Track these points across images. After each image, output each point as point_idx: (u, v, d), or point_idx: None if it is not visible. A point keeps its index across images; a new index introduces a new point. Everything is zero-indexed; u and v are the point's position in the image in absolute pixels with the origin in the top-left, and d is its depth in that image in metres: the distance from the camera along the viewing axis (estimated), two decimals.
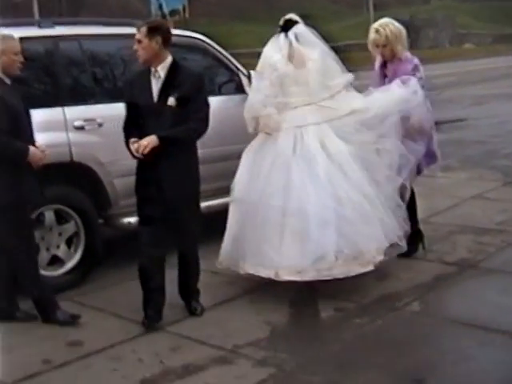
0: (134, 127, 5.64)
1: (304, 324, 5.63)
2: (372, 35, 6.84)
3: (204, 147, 6.48)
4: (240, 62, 8.31)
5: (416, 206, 7.13)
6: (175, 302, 5.88)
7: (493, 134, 14.33)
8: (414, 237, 6.98)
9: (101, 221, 7.12)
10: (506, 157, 11.85)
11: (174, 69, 5.65)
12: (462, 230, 7.85)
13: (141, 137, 5.50)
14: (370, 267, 5.96)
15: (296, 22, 6.72)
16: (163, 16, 62.43)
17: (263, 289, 6.25)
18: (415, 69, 6.80)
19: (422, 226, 7.32)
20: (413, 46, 70.39)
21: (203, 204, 6.51)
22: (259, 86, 6.56)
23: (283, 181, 6.11)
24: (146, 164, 5.54)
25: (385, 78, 6.98)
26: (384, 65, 7.02)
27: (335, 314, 5.70)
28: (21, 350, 5.24)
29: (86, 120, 6.77)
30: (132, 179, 5.80)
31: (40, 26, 7.10)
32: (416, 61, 6.87)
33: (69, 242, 6.75)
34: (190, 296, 5.89)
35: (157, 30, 5.62)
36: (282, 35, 6.61)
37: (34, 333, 5.58)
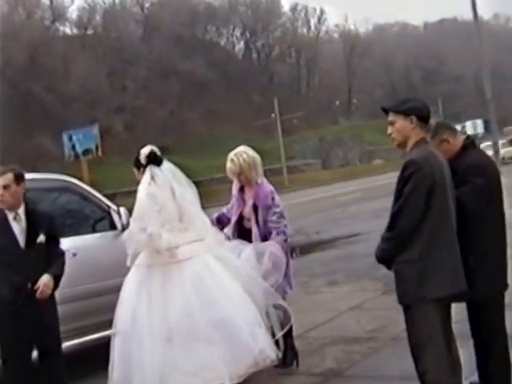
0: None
1: None
2: (228, 164, 7.34)
3: (79, 284, 6.91)
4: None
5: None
6: None
7: None
8: (288, 353, 7.38)
9: None
10: None
11: (31, 210, 6.00)
12: (334, 342, 8.21)
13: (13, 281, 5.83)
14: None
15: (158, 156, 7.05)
16: (76, 156, 63.31)
17: None
18: (273, 196, 7.35)
19: (297, 342, 7.69)
20: (325, 165, 71.98)
21: (80, 340, 6.93)
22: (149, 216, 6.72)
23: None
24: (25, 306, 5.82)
25: (243, 201, 7.46)
26: (242, 189, 7.51)
27: None
28: None
29: None
30: None
31: None
32: (272, 189, 7.42)
33: None
34: None
35: (22, 176, 6.03)
36: (155, 170, 6.90)
37: None
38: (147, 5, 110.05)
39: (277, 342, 6.94)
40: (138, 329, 6.46)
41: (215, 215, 7.76)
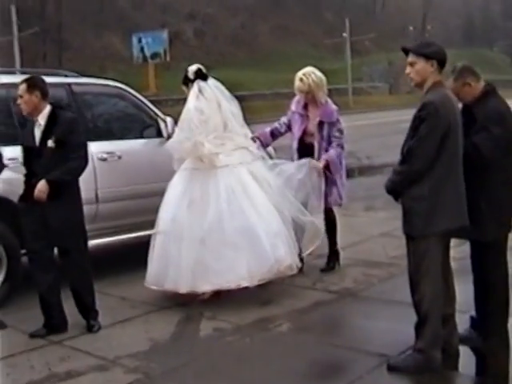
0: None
1: (182, 341, 6.39)
2: (297, 83, 7.96)
3: (122, 186, 7.47)
4: None
5: (336, 229, 8.37)
6: (78, 321, 6.66)
7: None
8: (332, 256, 8.34)
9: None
10: None
11: (52, 116, 6.46)
12: (356, 263, 8.63)
13: (29, 175, 6.37)
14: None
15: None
16: (144, 59, 63.77)
17: (158, 311, 7.13)
18: (336, 114, 8.09)
19: (322, 260, 8.24)
20: (391, 90, 70.88)
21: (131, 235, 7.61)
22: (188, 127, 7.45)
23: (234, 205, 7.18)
24: (32, 203, 6.36)
25: (307, 118, 8.07)
26: (305, 107, 8.10)
27: (212, 333, 6.47)
28: None
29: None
30: None
31: None
32: (335, 107, 8.15)
33: None
34: (88, 315, 6.66)
35: (35, 86, 6.44)
36: (202, 84, 7.55)
37: None
38: None
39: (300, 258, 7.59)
40: (178, 229, 7.18)
41: (268, 129, 8.40)
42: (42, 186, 6.26)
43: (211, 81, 7.67)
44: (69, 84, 8.46)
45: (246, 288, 7.07)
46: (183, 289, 7.04)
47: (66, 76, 8.73)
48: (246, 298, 7.24)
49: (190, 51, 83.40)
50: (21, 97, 6.45)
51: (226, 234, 7.08)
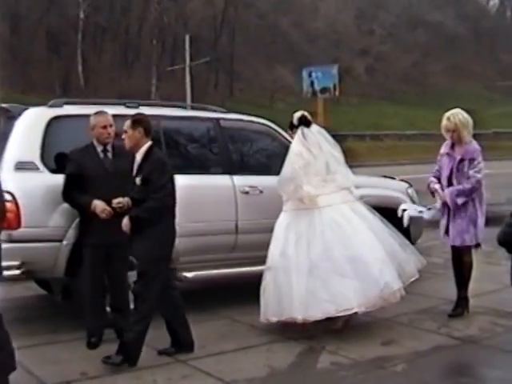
0: None
1: (298, 371, 6.67)
2: (444, 122, 8.32)
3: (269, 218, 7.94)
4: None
5: (470, 274, 8.49)
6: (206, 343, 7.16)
7: None
8: (461, 301, 8.50)
9: None
10: None
11: (146, 154, 6.89)
12: (485, 312, 8.60)
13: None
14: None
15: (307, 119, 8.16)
16: (314, 93, 64.58)
17: (282, 342, 7.49)
18: (478, 153, 8.29)
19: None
20: None
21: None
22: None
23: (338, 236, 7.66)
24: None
25: (451, 157, 8.36)
26: (452, 147, 8.41)
27: (329, 367, 6.71)
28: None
29: None
30: None
31: (126, 106, 8.60)
32: (478, 147, 8.34)
33: None
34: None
35: (139, 122, 6.89)
36: (306, 130, 8.05)
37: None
38: None
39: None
40: (286, 263, 7.62)
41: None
42: (126, 221, 6.76)
43: (314, 127, 8.19)
44: (217, 119, 8.99)
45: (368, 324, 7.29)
46: (298, 319, 7.40)
47: (215, 111, 9.28)
48: (370, 335, 7.56)
49: (360, 87, 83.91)
50: (125, 132, 6.90)
51: (333, 262, 7.51)
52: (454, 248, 8.43)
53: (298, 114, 8.21)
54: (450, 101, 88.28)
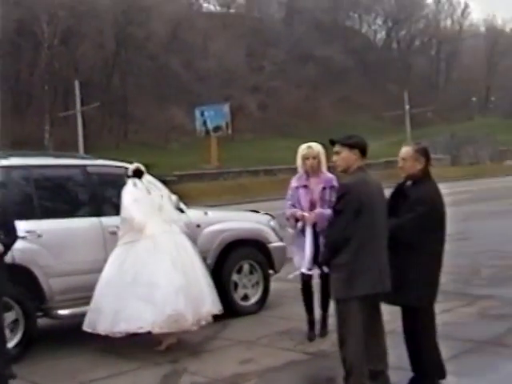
0: None
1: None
2: (305, 150, 8.64)
3: None
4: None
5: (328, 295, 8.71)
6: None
7: None
8: (323, 321, 9.00)
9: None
10: None
11: None
12: None
13: None
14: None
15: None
16: (207, 132, 65.52)
17: (150, 366, 8.02)
18: (335, 180, 8.61)
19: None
20: (454, 162, 70.66)
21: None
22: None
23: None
24: None
25: (309, 188, 8.69)
26: (307, 178, 8.73)
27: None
28: None
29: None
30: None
31: None
32: (334, 176, 8.69)
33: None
34: None
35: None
36: (136, 180, 9.07)
37: None
38: None
39: None
40: (105, 283, 8.63)
41: (289, 213, 8.79)
42: None
43: (146, 177, 9.15)
44: (84, 166, 9.63)
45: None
46: (102, 332, 8.41)
47: (82, 158, 9.91)
48: (229, 356, 8.24)
49: (253, 123, 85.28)
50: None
51: (137, 286, 8.38)
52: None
53: (132, 167, 9.17)
54: (341, 133, 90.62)
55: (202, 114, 66.99)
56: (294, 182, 8.83)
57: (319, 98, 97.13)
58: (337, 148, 6.26)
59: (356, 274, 5.98)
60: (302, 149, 8.71)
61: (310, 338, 8.77)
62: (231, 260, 10.12)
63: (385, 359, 6.36)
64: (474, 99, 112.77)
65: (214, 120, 65.76)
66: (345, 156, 6.21)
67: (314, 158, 8.61)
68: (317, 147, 8.67)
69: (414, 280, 6.30)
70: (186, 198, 10.41)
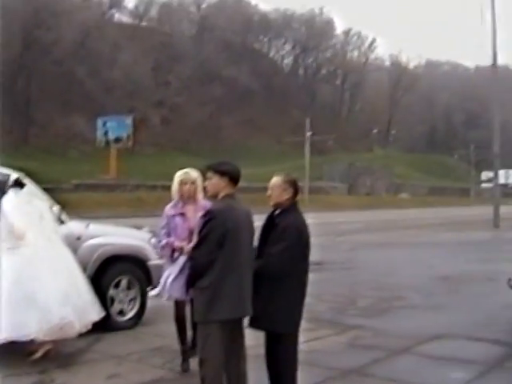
0: None
1: None
2: (183, 176, 8.43)
3: None
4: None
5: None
6: None
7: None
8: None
9: None
10: None
11: None
12: None
13: None
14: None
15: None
16: (107, 143, 65.04)
17: (18, 375, 7.99)
18: None
19: None
20: (350, 191, 71.96)
21: None
22: None
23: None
24: None
25: (186, 216, 8.43)
26: (183, 205, 8.52)
27: None
28: None
29: None
30: None
31: None
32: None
33: None
34: None
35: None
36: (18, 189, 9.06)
37: None
38: (204, 6, 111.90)
39: None
40: None
41: (164, 242, 8.45)
42: None
43: (27, 188, 9.21)
44: None
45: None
46: None
47: None
48: (99, 370, 8.18)
49: (155, 138, 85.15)
50: None
51: (19, 292, 8.27)
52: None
53: (13, 177, 9.22)
54: (243, 153, 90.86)
55: (104, 124, 66.68)
56: (169, 210, 8.56)
57: (223, 118, 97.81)
58: (209, 174, 6.41)
59: (216, 298, 6.10)
60: (179, 174, 8.50)
61: (184, 369, 8.49)
62: (109, 274, 10.12)
63: (243, 381, 6.50)
64: (375, 131, 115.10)
65: (115, 131, 65.49)
66: (215, 182, 6.36)
67: (192, 183, 8.45)
68: (194, 173, 8.53)
69: (280, 307, 6.48)
70: (80, 208, 10.45)
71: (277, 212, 6.68)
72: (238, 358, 6.46)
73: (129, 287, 10.37)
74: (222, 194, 6.32)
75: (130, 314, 10.34)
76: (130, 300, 10.38)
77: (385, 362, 8.84)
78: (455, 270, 17.97)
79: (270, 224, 6.63)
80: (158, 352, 9.12)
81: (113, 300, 10.15)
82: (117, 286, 10.23)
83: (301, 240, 6.58)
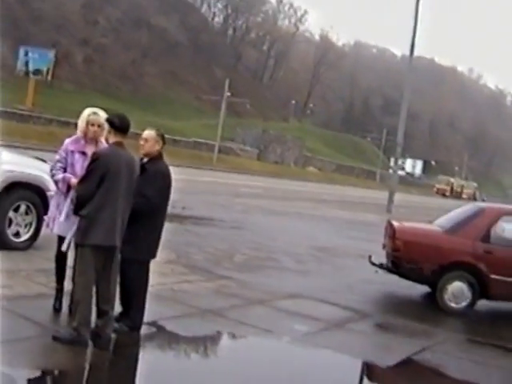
0: None
1: None
2: (91, 117, 8.24)
3: None
4: None
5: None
6: None
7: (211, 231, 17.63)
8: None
9: None
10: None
11: None
12: None
13: None
14: None
15: None
16: (26, 73, 64.61)
17: None
18: None
19: None
20: (260, 157, 72.83)
21: None
22: None
23: None
24: None
25: (86, 155, 8.19)
26: (85, 143, 8.44)
27: None
28: None
29: None
30: None
31: None
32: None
33: None
34: None
35: None
36: None
37: None
38: None
39: None
40: None
41: (61, 176, 8.31)
42: None
43: None
44: None
45: None
46: None
47: None
48: None
49: (76, 75, 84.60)
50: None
51: None
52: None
53: None
54: (162, 104, 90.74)
55: (26, 54, 66.12)
56: (70, 145, 8.30)
57: (146, 66, 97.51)
58: (106, 124, 7.71)
59: (92, 225, 7.21)
60: (88, 113, 8.25)
61: (55, 307, 8.51)
62: (10, 198, 10.95)
63: (111, 302, 7.66)
64: (293, 102, 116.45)
65: (36, 62, 65.05)
66: (105, 130, 7.72)
67: (99, 126, 8.17)
68: (103, 115, 8.20)
69: (145, 239, 7.84)
70: None
71: (145, 160, 7.93)
72: (109, 281, 7.61)
73: (27, 213, 11.15)
74: (110, 141, 7.53)
75: (25, 237, 11.11)
76: (27, 224, 11.17)
77: (240, 309, 10.04)
78: (333, 244, 19.29)
79: (140, 170, 7.81)
80: (44, 273, 9.70)
81: (11, 222, 10.98)
82: (16, 210, 10.99)
83: (166, 183, 7.95)
